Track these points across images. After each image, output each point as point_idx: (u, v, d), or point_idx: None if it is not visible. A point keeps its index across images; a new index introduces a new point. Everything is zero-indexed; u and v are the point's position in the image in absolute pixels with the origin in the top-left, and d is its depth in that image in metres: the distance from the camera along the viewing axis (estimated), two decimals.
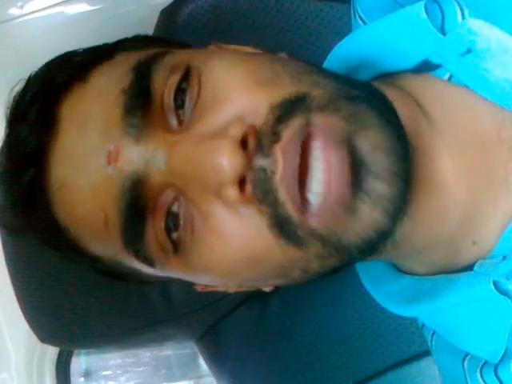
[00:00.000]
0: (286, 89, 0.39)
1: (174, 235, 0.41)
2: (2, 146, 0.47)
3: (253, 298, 0.67)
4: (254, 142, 0.38)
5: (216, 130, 0.39)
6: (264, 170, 0.38)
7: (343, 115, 0.38)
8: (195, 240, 0.41)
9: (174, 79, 0.41)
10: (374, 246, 0.41)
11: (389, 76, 0.49)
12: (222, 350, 0.69)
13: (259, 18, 0.64)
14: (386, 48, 0.47)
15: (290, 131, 0.38)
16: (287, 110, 0.38)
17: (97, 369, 1.07)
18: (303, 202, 0.38)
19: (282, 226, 0.38)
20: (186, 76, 0.41)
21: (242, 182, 0.38)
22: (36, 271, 0.69)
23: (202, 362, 1.04)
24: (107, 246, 0.44)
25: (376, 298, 0.52)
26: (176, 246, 0.41)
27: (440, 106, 0.45)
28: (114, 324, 0.69)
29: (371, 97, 0.40)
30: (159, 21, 0.66)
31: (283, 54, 0.48)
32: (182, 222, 0.41)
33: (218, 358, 0.70)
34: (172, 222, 0.41)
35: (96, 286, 0.65)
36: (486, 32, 0.43)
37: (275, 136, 0.38)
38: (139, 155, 0.40)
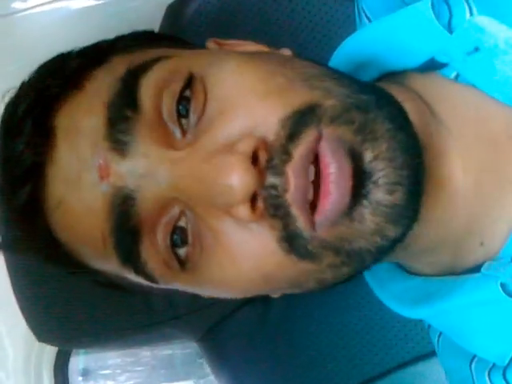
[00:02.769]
0: (297, 98, 0.38)
1: (182, 251, 0.40)
2: None
3: (255, 299, 0.66)
4: (265, 158, 0.37)
5: (225, 145, 0.37)
6: (275, 187, 0.37)
7: (354, 127, 0.38)
8: (205, 257, 0.39)
9: (176, 87, 0.39)
10: (386, 252, 0.40)
11: (395, 75, 0.48)
12: (224, 350, 0.69)
13: (268, 14, 0.63)
14: (391, 46, 0.47)
15: (301, 151, 0.37)
16: (298, 124, 0.37)
17: (95, 368, 1.07)
18: (314, 216, 0.37)
19: (292, 241, 0.38)
20: (189, 83, 0.39)
21: (253, 199, 0.37)
22: (35, 269, 0.68)
23: (202, 362, 1.04)
24: (107, 262, 0.43)
25: (382, 299, 0.52)
26: (183, 264, 0.40)
27: (447, 105, 0.45)
28: (113, 324, 0.68)
29: (382, 101, 0.40)
30: (165, 16, 0.65)
31: (287, 51, 0.47)
32: (190, 239, 0.40)
33: (219, 358, 0.70)
34: (179, 237, 0.40)
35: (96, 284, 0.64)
36: (493, 30, 0.42)
37: (287, 155, 0.37)
38: (129, 170, 0.38)
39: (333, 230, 0.38)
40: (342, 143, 0.37)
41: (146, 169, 0.38)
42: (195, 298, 0.64)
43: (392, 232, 0.38)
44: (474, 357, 0.45)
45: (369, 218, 0.37)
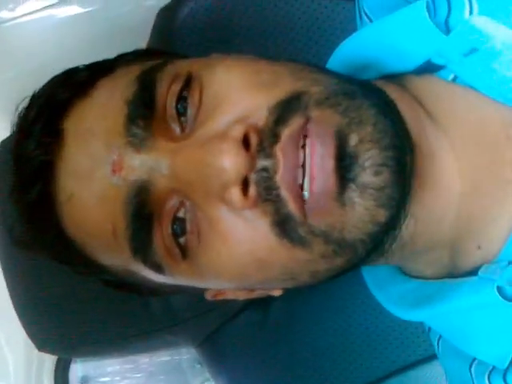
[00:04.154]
0: (285, 88, 0.40)
1: (182, 240, 0.41)
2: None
3: (254, 304, 0.66)
4: (256, 141, 0.38)
5: (217, 133, 0.39)
6: (266, 169, 0.38)
7: (340, 110, 0.39)
8: (202, 244, 0.41)
9: (176, 87, 0.41)
10: (379, 243, 0.40)
11: (392, 77, 0.48)
12: (223, 355, 0.69)
13: (262, 16, 0.63)
14: (387, 49, 0.47)
15: (289, 131, 0.38)
16: (285, 109, 0.39)
17: (95, 375, 1.07)
18: (303, 199, 0.38)
19: (284, 225, 0.39)
20: (188, 84, 0.41)
21: (244, 184, 0.38)
22: (33, 279, 0.68)
23: (200, 367, 1.04)
24: (116, 255, 0.44)
25: (381, 302, 0.51)
26: (184, 251, 0.42)
27: (445, 107, 0.45)
28: (112, 332, 0.68)
29: (369, 93, 0.41)
30: (156, 21, 0.66)
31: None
32: (188, 228, 0.41)
33: (218, 363, 0.70)
34: (179, 227, 0.41)
35: (94, 292, 0.64)
36: (490, 30, 0.42)
37: (275, 137, 0.38)
38: (141, 163, 0.41)
39: (324, 218, 0.38)
40: (329, 125, 0.38)
41: (154, 161, 0.40)
42: (194, 303, 0.64)
43: (382, 216, 0.38)
44: (474, 360, 0.45)
45: (358, 201, 0.38)
